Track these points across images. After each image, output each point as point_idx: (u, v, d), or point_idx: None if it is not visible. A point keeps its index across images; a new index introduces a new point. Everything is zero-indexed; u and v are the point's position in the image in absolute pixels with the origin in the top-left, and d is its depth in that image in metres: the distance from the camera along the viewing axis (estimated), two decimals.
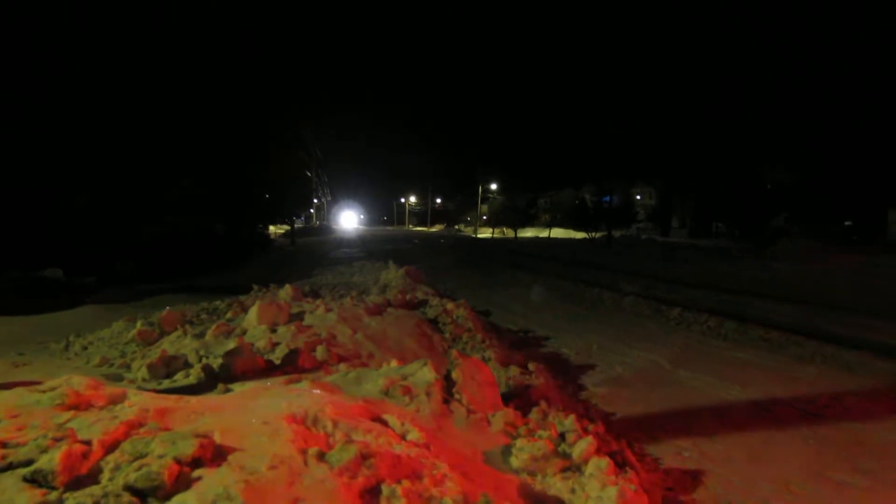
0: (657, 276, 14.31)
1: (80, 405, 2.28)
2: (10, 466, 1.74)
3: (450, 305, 7.57)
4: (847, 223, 27.75)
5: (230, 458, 1.90)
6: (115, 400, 2.38)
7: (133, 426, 2.07)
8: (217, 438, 1.99)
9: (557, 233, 50.82)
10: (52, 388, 2.37)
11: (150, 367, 4.16)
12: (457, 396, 3.30)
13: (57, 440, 1.86)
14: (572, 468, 2.71)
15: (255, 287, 9.67)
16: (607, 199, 40.37)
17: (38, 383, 2.53)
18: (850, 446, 3.69)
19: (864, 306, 9.26)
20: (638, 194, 56.96)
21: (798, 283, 12.76)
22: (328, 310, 6.44)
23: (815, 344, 6.42)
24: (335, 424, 2.32)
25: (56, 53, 14.38)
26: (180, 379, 4.06)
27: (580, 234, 41.16)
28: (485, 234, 59.37)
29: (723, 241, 30.63)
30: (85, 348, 5.70)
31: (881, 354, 6.00)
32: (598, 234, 36.61)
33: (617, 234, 35.64)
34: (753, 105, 32.62)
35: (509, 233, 55.40)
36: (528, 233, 55.51)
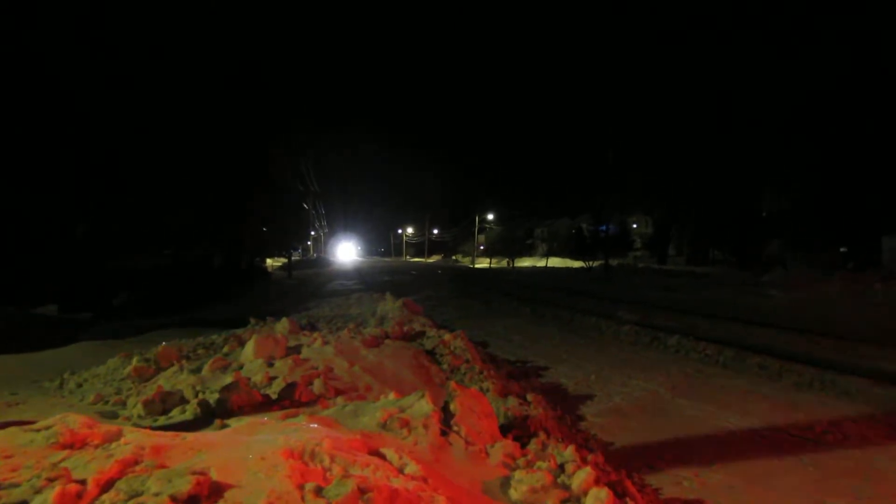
0: (654, 304, 14.32)
1: (74, 444, 2.27)
2: None
3: (447, 336, 7.55)
4: (842, 250, 27.83)
5: (227, 494, 1.89)
6: (111, 438, 2.36)
7: (128, 464, 2.05)
8: (214, 475, 1.97)
9: (554, 262, 50.90)
10: (47, 428, 2.35)
11: (146, 404, 4.13)
12: (455, 428, 3.28)
13: (51, 480, 1.84)
14: (572, 499, 2.69)
15: (252, 320, 9.65)
16: (604, 227, 40.54)
17: (32, 422, 2.51)
18: (850, 473, 3.66)
19: (860, 334, 9.26)
20: (634, 223, 57.22)
21: (794, 311, 12.77)
22: (325, 343, 6.42)
23: (812, 371, 6.41)
24: (332, 459, 2.30)
25: (59, 82, 14.57)
26: (176, 415, 4.03)
27: (577, 263, 41.23)
28: (482, 264, 59.41)
29: (719, 269, 30.66)
30: (80, 385, 5.66)
31: (879, 381, 5.98)
32: (596, 263, 36.66)
33: (614, 262, 35.72)
34: (749, 133, 32.94)
35: (506, 262, 55.45)
36: (526, 262, 55.60)
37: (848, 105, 28.02)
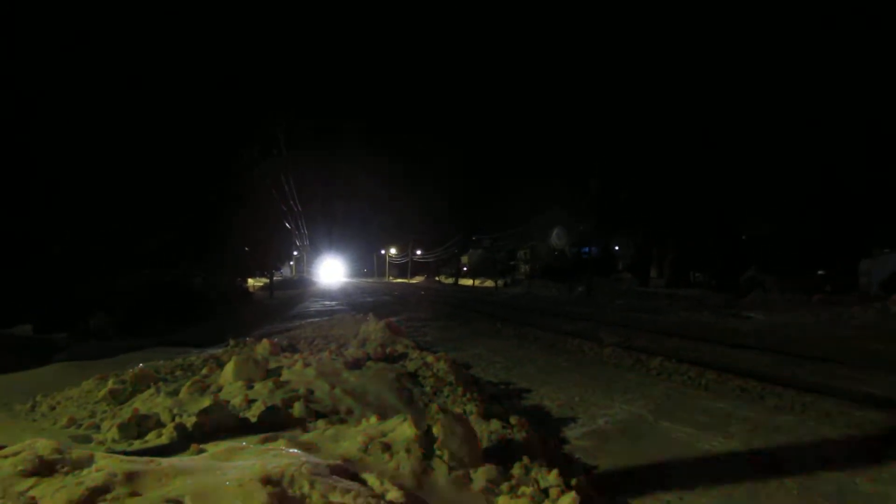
0: (636, 326, 14.38)
1: (43, 471, 2.19)
2: None
3: (430, 358, 7.50)
4: (820, 272, 28.24)
5: None
6: (81, 464, 2.29)
7: (99, 492, 1.98)
8: (188, 503, 1.92)
9: (537, 283, 51.06)
10: (15, 454, 2.28)
11: (121, 427, 4.03)
12: (438, 452, 3.24)
13: None
14: None
15: (232, 342, 9.53)
16: (586, 249, 40.81)
17: (1, 448, 2.43)
18: (833, 496, 3.67)
19: (839, 356, 9.36)
20: (616, 245, 57.70)
21: (773, 333, 12.90)
22: (306, 365, 6.34)
23: (793, 393, 6.46)
24: (312, 485, 2.25)
25: (32, 101, 14.40)
26: (152, 439, 3.94)
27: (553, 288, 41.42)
28: (466, 284, 59.44)
29: (700, 291, 30.89)
30: (52, 408, 5.51)
31: (858, 403, 6.04)
32: (579, 287, 36.86)
33: (596, 283, 35.89)
34: (730, 158, 33.56)
35: (489, 283, 55.52)
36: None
37: (827, 129, 28.75)
